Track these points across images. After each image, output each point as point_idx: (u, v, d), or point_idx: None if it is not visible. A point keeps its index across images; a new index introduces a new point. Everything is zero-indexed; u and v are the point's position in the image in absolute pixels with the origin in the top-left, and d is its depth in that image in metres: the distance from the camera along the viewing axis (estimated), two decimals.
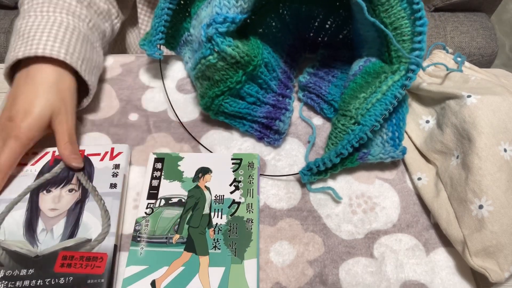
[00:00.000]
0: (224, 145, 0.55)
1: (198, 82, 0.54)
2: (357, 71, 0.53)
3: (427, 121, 0.54)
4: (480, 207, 0.43)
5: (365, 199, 0.51)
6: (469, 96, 0.47)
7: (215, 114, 0.55)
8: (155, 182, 0.50)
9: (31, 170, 0.49)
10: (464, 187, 0.45)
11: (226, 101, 0.53)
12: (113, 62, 0.65)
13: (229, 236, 0.45)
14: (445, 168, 0.49)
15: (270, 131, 0.54)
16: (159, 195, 0.48)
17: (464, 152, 0.46)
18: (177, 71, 0.64)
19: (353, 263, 0.46)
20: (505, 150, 0.45)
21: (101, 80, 0.61)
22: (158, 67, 0.63)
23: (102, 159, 0.51)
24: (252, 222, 0.47)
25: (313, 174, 0.50)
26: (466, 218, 0.45)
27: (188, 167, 0.51)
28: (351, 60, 0.57)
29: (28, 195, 0.47)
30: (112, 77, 0.63)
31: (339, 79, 0.58)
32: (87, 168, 0.50)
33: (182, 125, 0.57)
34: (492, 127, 0.45)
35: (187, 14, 0.59)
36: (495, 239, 0.42)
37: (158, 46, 0.57)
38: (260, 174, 0.52)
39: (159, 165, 0.51)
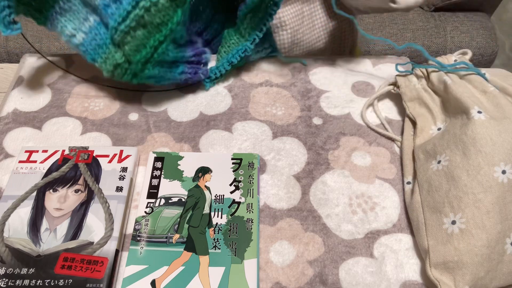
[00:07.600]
0: (224, 145, 0.55)
1: (128, 36, 0.52)
2: None
3: (439, 129, 0.52)
4: (453, 222, 0.43)
5: (365, 199, 0.51)
6: (479, 112, 0.46)
7: (153, 67, 0.55)
8: (155, 181, 0.50)
9: (40, 168, 0.49)
10: (443, 198, 0.45)
11: (169, 47, 0.54)
12: None
13: (229, 236, 0.45)
14: (424, 170, 0.49)
15: (198, 65, 0.60)
16: (159, 194, 0.48)
17: (452, 163, 0.46)
18: None
19: (353, 263, 0.46)
20: (503, 172, 0.43)
21: (101, 80, 0.61)
22: None
23: (110, 161, 0.50)
24: (252, 222, 0.47)
25: (212, 80, 0.62)
26: (435, 228, 0.44)
27: (188, 167, 0.51)
28: None
29: (34, 193, 0.47)
30: None
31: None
32: (95, 169, 0.50)
33: None
34: (494, 147, 0.44)
35: None
36: (458, 256, 0.42)
37: (12, 20, 0.52)
38: None
39: (159, 164, 0.51)
